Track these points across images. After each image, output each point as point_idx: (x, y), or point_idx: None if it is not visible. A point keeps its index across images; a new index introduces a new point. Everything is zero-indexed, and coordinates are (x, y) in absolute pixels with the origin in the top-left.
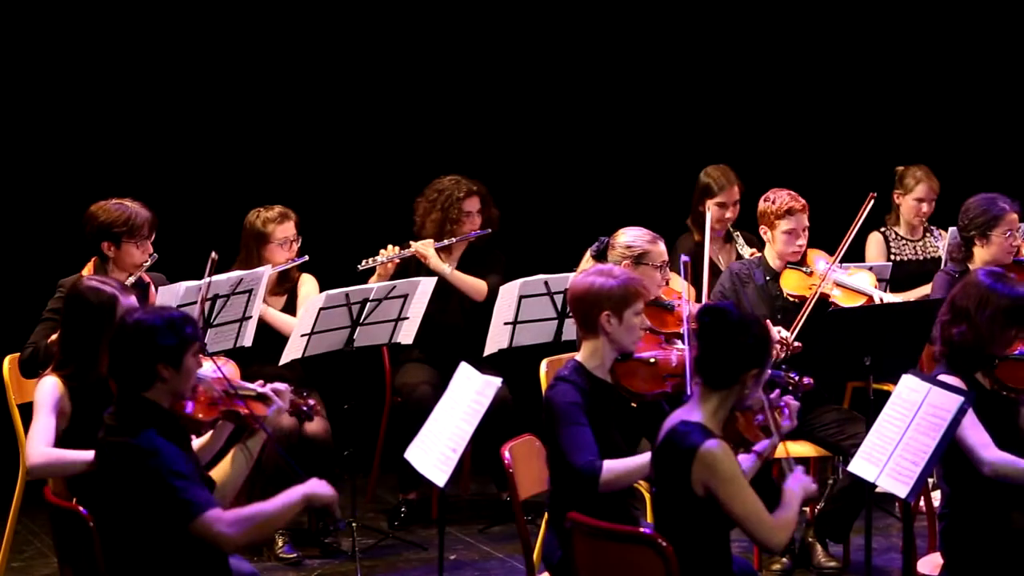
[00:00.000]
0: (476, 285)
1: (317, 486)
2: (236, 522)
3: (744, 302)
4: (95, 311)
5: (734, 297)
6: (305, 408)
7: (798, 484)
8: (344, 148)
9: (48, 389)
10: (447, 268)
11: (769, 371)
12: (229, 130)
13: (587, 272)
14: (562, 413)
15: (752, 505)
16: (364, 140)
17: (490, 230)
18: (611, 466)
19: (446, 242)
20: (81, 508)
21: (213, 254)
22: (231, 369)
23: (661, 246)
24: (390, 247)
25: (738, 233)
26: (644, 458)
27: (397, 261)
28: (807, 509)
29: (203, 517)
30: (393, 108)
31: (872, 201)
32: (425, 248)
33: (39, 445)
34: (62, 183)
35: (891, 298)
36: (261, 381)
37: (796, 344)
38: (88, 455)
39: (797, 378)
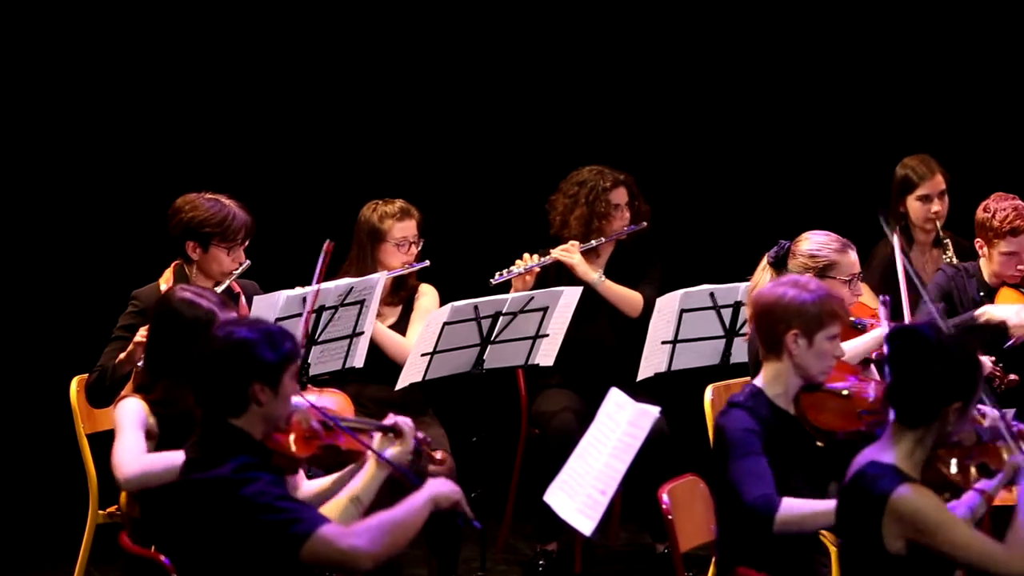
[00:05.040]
0: (630, 297)
1: (441, 485)
2: (364, 532)
3: (961, 308)
4: (188, 328)
5: (950, 300)
6: (421, 460)
7: None
8: (471, 138)
9: (132, 408)
10: (597, 276)
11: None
12: (339, 118)
13: (778, 281)
14: (735, 441)
15: (976, 544)
16: (494, 129)
17: (645, 224)
18: (791, 505)
19: (593, 243)
20: (162, 556)
21: (328, 242)
22: (340, 401)
23: (852, 255)
24: (527, 255)
25: (948, 240)
26: (832, 504)
27: (537, 271)
28: None
29: (319, 534)
30: (529, 93)
31: None
32: (570, 253)
33: (130, 454)
34: (140, 179)
35: None
36: (392, 415)
37: (1012, 377)
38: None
39: (1001, 372)
